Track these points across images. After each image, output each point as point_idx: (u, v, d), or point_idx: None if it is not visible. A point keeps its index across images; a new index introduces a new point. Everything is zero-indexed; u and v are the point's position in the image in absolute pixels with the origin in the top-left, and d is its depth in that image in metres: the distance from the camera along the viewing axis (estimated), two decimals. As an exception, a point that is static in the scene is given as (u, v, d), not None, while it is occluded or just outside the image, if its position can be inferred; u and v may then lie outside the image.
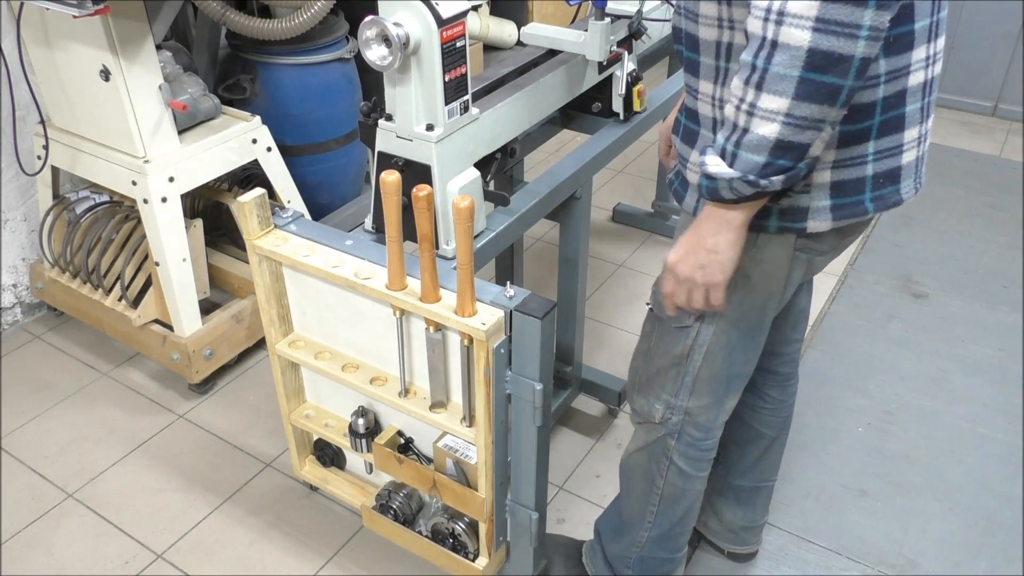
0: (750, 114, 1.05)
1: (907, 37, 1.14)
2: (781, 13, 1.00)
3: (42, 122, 2.24)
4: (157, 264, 2.24)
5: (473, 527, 1.70)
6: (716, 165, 1.11)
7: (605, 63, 1.88)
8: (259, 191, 1.58)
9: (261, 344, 2.48)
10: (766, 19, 1.01)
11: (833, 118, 1.06)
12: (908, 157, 1.23)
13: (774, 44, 1.01)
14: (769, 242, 1.27)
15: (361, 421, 1.72)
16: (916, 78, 1.18)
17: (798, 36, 0.99)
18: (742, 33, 1.13)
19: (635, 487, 1.61)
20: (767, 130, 1.05)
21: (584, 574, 1.77)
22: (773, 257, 1.29)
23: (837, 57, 1.00)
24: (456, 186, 1.50)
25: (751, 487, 1.79)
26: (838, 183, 1.21)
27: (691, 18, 1.23)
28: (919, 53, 1.17)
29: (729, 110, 1.09)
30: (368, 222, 1.66)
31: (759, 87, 1.03)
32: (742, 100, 1.06)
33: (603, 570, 1.73)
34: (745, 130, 1.07)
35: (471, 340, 1.43)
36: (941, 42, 1.21)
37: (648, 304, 1.48)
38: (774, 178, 1.08)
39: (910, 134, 1.21)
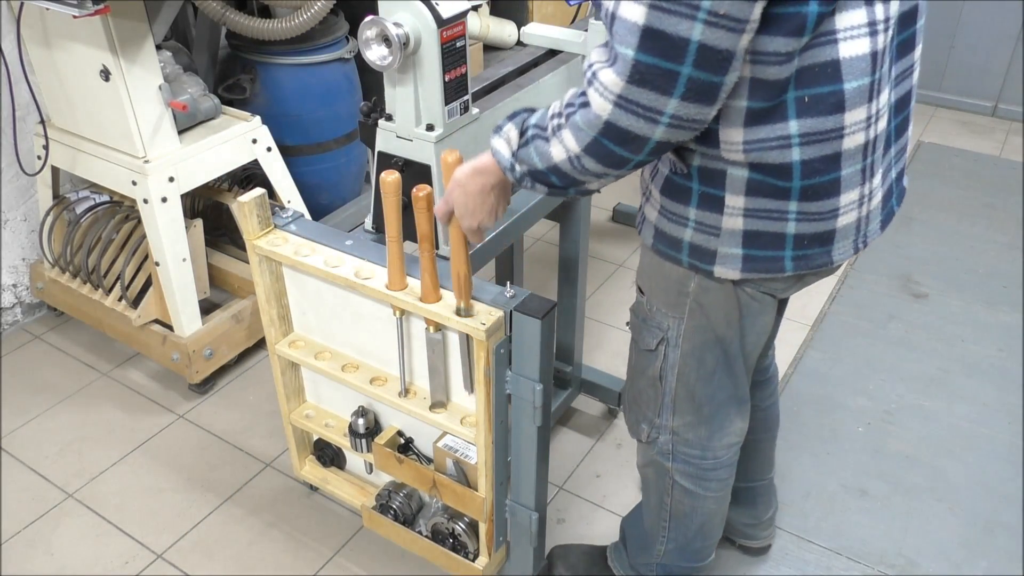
0: (555, 132, 1.10)
1: (832, 98, 1.04)
2: (595, 75, 1.02)
3: (42, 122, 2.24)
4: (157, 264, 2.24)
5: (473, 527, 1.70)
6: (505, 138, 1.18)
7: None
8: (259, 191, 1.58)
9: (261, 344, 2.48)
10: (587, 73, 1.04)
11: (621, 175, 1.10)
12: (845, 220, 1.15)
13: (585, 99, 1.04)
14: (708, 278, 1.24)
15: (361, 421, 1.72)
16: (853, 140, 1.08)
17: (600, 105, 1.01)
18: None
19: (650, 500, 1.60)
20: (556, 152, 1.10)
21: (611, 574, 1.78)
22: (717, 289, 1.26)
23: (632, 136, 1.01)
24: (456, 186, 1.50)
25: (745, 487, 1.79)
26: (752, 233, 1.15)
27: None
28: (855, 115, 1.06)
29: (551, 109, 1.12)
30: (368, 222, 1.66)
31: (566, 119, 1.08)
32: (557, 115, 1.10)
33: (630, 571, 1.73)
34: (545, 138, 1.11)
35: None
36: (884, 97, 1.11)
37: (627, 324, 1.48)
38: (539, 185, 1.17)
39: (847, 197, 1.13)
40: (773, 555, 1.92)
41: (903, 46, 1.15)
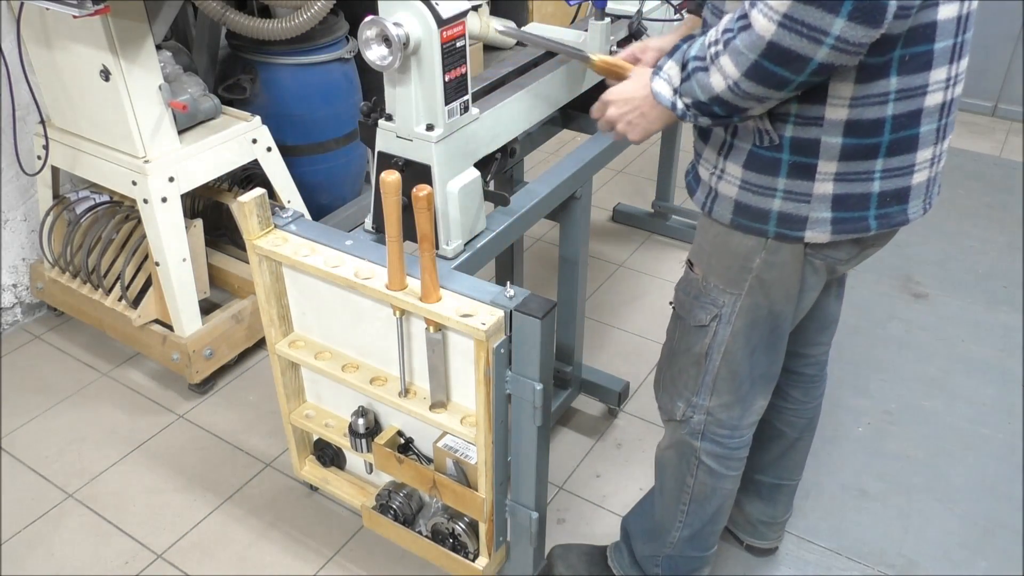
0: (712, 60, 1.12)
1: (925, 56, 1.12)
2: None
3: (42, 122, 2.24)
4: (157, 264, 2.24)
5: (473, 527, 1.70)
6: (666, 78, 1.22)
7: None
8: (259, 191, 1.58)
9: (261, 344, 2.48)
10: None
11: (780, 98, 1.12)
12: (919, 178, 1.22)
13: (746, 22, 1.05)
14: (780, 248, 1.28)
15: (361, 421, 1.72)
16: (934, 98, 1.16)
17: (763, 25, 1.03)
18: None
19: (667, 486, 1.61)
20: (716, 81, 1.12)
21: (611, 575, 1.78)
22: (784, 263, 1.29)
23: (795, 56, 1.03)
24: (456, 186, 1.50)
25: (772, 483, 1.80)
26: (841, 196, 1.20)
27: (716, 13, 1.24)
28: (939, 74, 1.14)
29: (708, 38, 1.14)
30: (368, 222, 1.66)
31: (724, 46, 1.10)
32: (714, 43, 1.12)
33: (631, 570, 1.73)
34: (704, 68, 1.14)
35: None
36: (964, 63, 1.18)
37: (671, 303, 1.49)
38: (701, 118, 1.20)
39: (923, 155, 1.20)
40: (773, 555, 1.92)
41: (965, 48, 1.21)
